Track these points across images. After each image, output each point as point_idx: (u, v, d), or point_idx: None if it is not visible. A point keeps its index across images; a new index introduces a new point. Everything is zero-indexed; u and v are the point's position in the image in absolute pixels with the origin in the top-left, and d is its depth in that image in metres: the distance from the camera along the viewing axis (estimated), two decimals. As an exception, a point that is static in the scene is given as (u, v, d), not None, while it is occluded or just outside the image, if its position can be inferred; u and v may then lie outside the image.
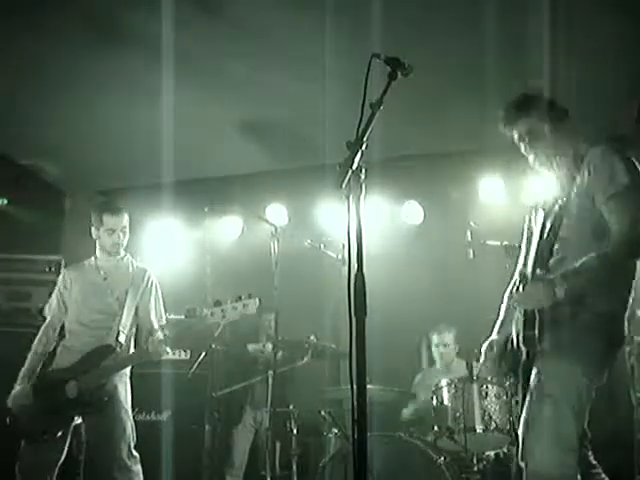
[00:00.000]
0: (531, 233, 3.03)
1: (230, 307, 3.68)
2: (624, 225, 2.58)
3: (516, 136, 2.92)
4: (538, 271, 2.70)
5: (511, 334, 2.85)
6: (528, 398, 2.63)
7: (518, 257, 3.11)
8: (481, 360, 3.01)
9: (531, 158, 2.91)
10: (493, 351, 2.95)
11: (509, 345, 2.86)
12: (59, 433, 3.83)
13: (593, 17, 4.16)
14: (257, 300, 3.68)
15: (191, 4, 4.13)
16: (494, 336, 3.00)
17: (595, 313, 2.63)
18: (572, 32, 4.26)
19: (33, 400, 3.87)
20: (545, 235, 2.74)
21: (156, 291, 4.21)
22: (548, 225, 2.75)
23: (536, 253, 2.76)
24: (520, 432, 2.63)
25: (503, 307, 3.07)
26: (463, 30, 4.32)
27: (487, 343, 3.00)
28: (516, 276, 3.02)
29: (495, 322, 3.05)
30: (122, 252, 4.20)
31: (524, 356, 2.70)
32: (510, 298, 3.01)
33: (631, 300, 2.72)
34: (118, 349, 3.93)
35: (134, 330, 4.13)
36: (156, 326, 4.06)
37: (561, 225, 2.70)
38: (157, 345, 3.86)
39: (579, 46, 4.38)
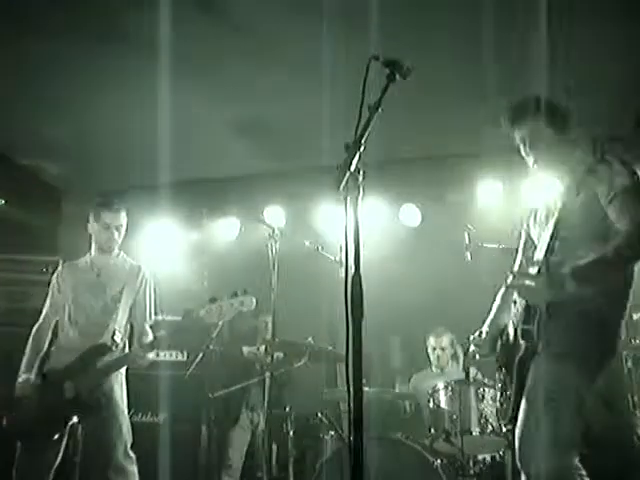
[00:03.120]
0: (528, 235, 3.03)
1: (227, 303, 3.65)
2: (632, 224, 2.55)
3: (518, 137, 2.90)
4: (542, 269, 2.66)
5: (504, 328, 2.84)
6: (525, 401, 2.60)
7: (515, 259, 3.12)
8: (471, 348, 3.02)
9: (530, 161, 2.90)
10: (481, 337, 2.98)
11: (503, 338, 2.85)
12: (56, 436, 3.80)
13: (593, 17, 4.17)
14: (253, 298, 3.67)
15: (191, 4, 4.13)
16: (484, 328, 3.03)
17: (595, 314, 2.62)
18: (572, 33, 4.27)
19: (30, 400, 3.84)
20: (548, 235, 2.69)
21: (150, 290, 4.17)
22: (551, 225, 2.71)
23: (545, 252, 2.69)
24: (517, 436, 2.59)
25: (495, 304, 3.08)
26: (462, 32, 4.33)
27: (476, 333, 3.03)
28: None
29: (486, 318, 3.07)
30: (117, 250, 4.18)
31: (522, 351, 2.67)
32: (505, 294, 3.02)
33: (629, 306, 2.72)
34: (114, 348, 3.91)
35: (129, 329, 4.10)
36: (147, 327, 4.03)
37: (562, 226, 2.66)
38: (143, 351, 3.82)
39: (579, 47, 4.40)
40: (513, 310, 2.79)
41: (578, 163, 2.65)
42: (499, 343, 2.91)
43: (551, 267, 2.65)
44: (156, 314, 4.16)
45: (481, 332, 3.02)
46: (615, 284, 2.68)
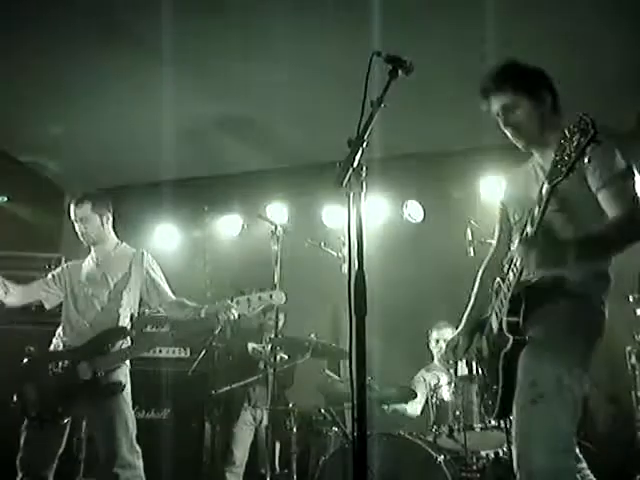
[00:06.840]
0: (505, 213, 2.97)
1: (255, 297, 3.67)
2: (625, 210, 2.46)
3: (494, 109, 2.79)
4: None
5: (485, 320, 2.78)
6: (517, 399, 2.50)
7: (494, 247, 3.08)
8: (442, 352, 2.98)
9: (509, 133, 2.77)
10: (457, 343, 2.93)
11: (486, 330, 2.76)
12: (66, 419, 3.79)
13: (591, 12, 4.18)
14: (283, 293, 3.69)
15: (190, 4, 4.13)
16: (461, 326, 2.98)
17: (580, 297, 2.55)
18: (569, 28, 4.28)
19: (43, 380, 3.82)
20: (531, 220, 2.51)
21: (158, 268, 4.19)
22: (535, 208, 2.50)
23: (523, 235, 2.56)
24: (513, 438, 2.49)
25: (473, 294, 3.04)
26: (463, 29, 4.33)
27: (451, 338, 3.00)
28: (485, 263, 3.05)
29: (466, 307, 3.02)
30: (114, 240, 4.18)
31: (508, 344, 2.54)
32: (483, 283, 2.99)
33: (610, 288, 2.63)
34: (133, 333, 3.92)
35: (131, 316, 4.11)
36: (173, 296, 4.07)
37: (546, 209, 2.46)
38: (223, 306, 3.77)
39: (578, 42, 4.40)
40: (496, 301, 2.68)
41: (566, 142, 2.52)
42: (481, 336, 2.83)
43: None
44: (174, 293, 4.15)
45: (459, 337, 2.95)
46: (602, 265, 2.61)
